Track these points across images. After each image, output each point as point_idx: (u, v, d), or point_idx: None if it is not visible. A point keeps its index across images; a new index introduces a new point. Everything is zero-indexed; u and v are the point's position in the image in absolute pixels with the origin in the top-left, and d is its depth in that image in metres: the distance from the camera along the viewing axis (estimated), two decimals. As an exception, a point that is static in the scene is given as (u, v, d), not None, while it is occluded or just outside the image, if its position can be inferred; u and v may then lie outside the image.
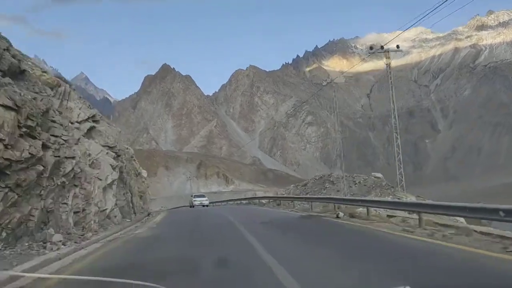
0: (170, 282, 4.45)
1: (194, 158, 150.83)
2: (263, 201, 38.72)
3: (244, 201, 50.41)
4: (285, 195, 40.03)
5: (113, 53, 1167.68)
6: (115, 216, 16.24)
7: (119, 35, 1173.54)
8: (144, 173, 35.53)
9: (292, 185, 54.35)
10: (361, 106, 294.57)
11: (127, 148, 26.12)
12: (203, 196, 47.28)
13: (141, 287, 2.27)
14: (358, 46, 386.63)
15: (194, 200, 44.31)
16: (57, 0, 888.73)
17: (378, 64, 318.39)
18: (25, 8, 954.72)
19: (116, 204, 16.70)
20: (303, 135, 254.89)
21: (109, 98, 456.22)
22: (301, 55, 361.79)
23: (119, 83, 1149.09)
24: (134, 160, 28.16)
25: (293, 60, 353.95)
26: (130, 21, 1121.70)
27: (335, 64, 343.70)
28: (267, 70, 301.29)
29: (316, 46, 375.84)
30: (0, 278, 5.23)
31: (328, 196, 27.42)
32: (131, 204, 20.47)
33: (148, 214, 26.39)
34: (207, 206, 41.89)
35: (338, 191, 36.38)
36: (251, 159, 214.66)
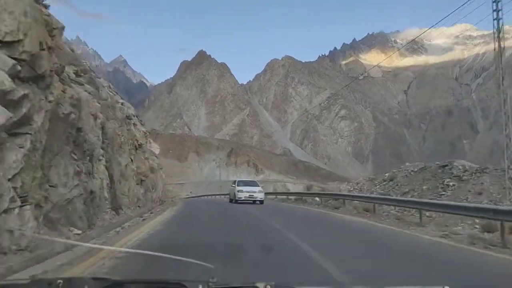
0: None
1: (225, 146, 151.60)
2: (317, 198, 26.75)
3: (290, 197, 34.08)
4: (353, 193, 27.67)
5: (152, 38, 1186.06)
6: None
7: (158, 21, 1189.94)
8: (156, 148, 27.08)
9: (362, 178, 41.85)
10: (397, 102, 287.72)
11: (121, 104, 18.31)
12: (254, 184, 26.50)
13: (189, 264, 2.25)
14: (398, 40, 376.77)
15: (239, 191, 24.46)
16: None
17: (418, 60, 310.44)
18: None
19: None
20: (335, 128, 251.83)
21: (145, 82, 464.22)
22: (338, 48, 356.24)
23: (156, 67, 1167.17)
24: (134, 125, 19.97)
25: (330, 52, 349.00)
26: (169, 7, 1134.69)
27: (372, 58, 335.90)
28: (303, 61, 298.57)
29: (354, 39, 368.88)
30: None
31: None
32: (105, 195, 11.65)
33: (162, 203, 22.08)
34: (261, 202, 23.82)
35: (480, 193, 20.46)
36: (282, 150, 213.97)
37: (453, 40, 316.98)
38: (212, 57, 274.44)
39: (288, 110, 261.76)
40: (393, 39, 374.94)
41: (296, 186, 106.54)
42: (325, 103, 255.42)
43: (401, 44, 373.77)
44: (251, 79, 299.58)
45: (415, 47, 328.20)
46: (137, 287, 1.34)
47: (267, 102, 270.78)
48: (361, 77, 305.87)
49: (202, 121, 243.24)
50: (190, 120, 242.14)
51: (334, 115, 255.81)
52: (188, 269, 3.28)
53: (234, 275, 4.91)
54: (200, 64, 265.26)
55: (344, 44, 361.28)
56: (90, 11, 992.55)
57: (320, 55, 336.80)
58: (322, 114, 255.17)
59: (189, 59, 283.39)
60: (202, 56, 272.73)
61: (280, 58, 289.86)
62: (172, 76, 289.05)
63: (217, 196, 56.09)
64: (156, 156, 25.26)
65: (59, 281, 1.32)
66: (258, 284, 1.33)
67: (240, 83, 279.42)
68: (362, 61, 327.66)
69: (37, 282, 1.39)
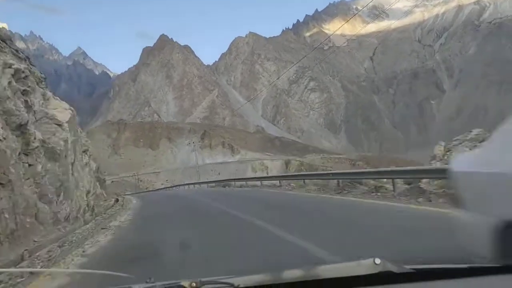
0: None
1: (197, 129, 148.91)
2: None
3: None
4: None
5: (110, 27, 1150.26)
6: None
7: (115, 8, 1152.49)
8: (62, 111, 14.18)
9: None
10: (364, 70, 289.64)
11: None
12: None
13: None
14: (359, 7, 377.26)
15: None
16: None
17: (380, 25, 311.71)
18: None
19: None
20: (306, 101, 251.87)
21: (108, 73, 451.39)
22: (301, 20, 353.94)
23: (118, 56, 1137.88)
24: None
25: (293, 25, 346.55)
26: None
27: (336, 28, 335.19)
28: (267, 37, 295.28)
29: (316, 9, 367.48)
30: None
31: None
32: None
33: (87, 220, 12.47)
34: None
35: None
36: (255, 128, 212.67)
37: (413, 2, 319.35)
38: (174, 40, 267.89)
39: (257, 87, 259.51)
40: (354, 6, 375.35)
41: (274, 162, 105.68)
42: (294, 77, 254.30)
43: (363, 11, 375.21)
44: (217, 59, 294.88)
45: (376, 13, 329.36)
46: None
47: (235, 81, 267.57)
48: (326, 48, 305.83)
49: (171, 106, 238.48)
50: (158, 107, 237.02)
51: (304, 88, 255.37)
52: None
53: None
54: (162, 49, 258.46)
55: (306, 15, 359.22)
56: (43, 5, 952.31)
57: (284, 29, 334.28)
58: (291, 88, 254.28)
59: (151, 44, 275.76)
60: (164, 41, 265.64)
61: (244, 36, 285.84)
62: (135, 64, 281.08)
63: (194, 186, 44.17)
64: (61, 127, 12.27)
65: None
66: (183, 283, 1.32)
67: (206, 64, 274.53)
68: (326, 31, 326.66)
69: None
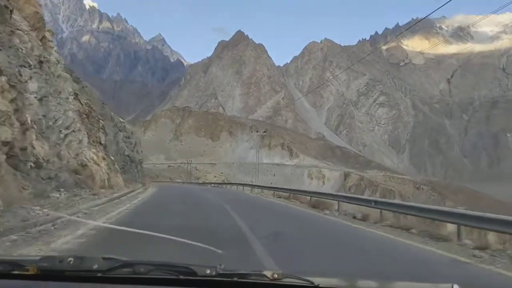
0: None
1: (259, 126, 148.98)
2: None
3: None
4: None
5: (191, 18, 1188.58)
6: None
7: (198, 1, 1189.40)
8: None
9: None
10: (439, 91, 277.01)
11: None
12: None
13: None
14: (443, 26, 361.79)
15: None
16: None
17: (463, 47, 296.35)
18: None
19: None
20: (373, 115, 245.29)
21: (183, 61, 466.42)
22: (379, 32, 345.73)
23: (194, 47, 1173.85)
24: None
25: (371, 36, 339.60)
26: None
27: (415, 44, 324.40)
28: (342, 45, 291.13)
29: (397, 23, 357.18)
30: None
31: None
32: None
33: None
34: None
35: None
36: (316, 135, 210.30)
37: (501, 28, 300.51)
38: (249, 37, 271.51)
39: (324, 95, 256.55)
40: (438, 25, 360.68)
41: (332, 172, 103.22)
42: (363, 89, 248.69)
43: (447, 30, 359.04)
44: (288, 62, 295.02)
45: (460, 34, 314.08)
46: (146, 269, 1.36)
47: (303, 85, 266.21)
48: (402, 64, 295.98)
49: (236, 102, 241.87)
50: (224, 101, 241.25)
51: (372, 101, 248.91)
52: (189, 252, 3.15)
53: None
54: (237, 45, 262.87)
55: (386, 28, 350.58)
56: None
57: (361, 39, 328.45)
58: (360, 100, 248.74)
59: (227, 39, 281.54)
60: (240, 37, 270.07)
61: (319, 41, 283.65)
62: (209, 56, 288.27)
63: (251, 191, 32.40)
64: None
65: (69, 259, 1.37)
66: (265, 272, 1.35)
67: (276, 65, 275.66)
68: (404, 47, 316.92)
69: (47, 259, 1.43)
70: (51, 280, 1.34)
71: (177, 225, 7.60)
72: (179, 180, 74.39)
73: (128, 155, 33.55)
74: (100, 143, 20.21)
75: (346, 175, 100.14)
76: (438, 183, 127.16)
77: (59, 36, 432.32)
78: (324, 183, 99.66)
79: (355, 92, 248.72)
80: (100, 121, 22.71)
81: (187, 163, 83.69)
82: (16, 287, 1.34)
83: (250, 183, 44.56)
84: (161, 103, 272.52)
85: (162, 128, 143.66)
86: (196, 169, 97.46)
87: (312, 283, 1.27)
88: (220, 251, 2.20)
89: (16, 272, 1.34)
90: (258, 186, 32.79)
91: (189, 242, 2.31)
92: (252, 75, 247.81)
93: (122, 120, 36.93)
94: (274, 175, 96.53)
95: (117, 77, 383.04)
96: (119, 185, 19.75)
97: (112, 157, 23.34)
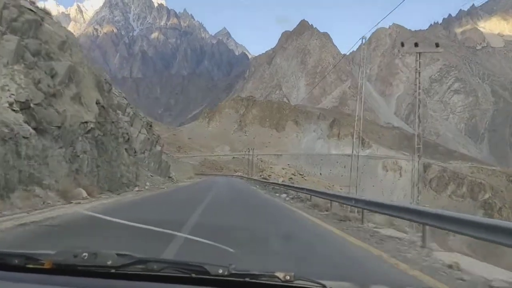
0: None
1: (327, 115, 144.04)
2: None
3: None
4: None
5: (254, 10, 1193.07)
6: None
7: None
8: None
9: None
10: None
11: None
12: None
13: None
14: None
15: None
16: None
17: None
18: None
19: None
20: (447, 103, 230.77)
21: (247, 54, 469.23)
22: (453, 15, 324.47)
23: (258, 39, 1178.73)
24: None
25: (444, 19, 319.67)
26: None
27: (493, 26, 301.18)
28: (413, 30, 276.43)
29: (473, 5, 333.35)
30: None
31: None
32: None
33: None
34: None
35: None
36: (385, 125, 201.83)
37: None
38: (314, 26, 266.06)
39: (394, 83, 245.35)
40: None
41: (410, 164, 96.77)
42: (436, 75, 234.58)
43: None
44: (355, 49, 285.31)
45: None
46: (159, 266, 1.39)
47: (371, 73, 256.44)
48: (478, 47, 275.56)
49: (301, 92, 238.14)
50: (289, 92, 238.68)
51: (446, 88, 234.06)
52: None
53: None
54: (301, 34, 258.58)
55: (460, 10, 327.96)
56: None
57: (433, 23, 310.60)
58: (432, 87, 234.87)
59: (291, 29, 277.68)
60: (303, 26, 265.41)
61: (387, 27, 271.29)
62: (273, 47, 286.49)
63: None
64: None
65: (84, 254, 1.39)
66: (277, 274, 1.36)
67: (342, 53, 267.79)
68: (481, 29, 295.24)
69: (62, 254, 1.45)
70: (65, 275, 1.38)
71: None
72: (237, 174, 70.96)
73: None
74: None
75: (426, 167, 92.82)
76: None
77: (130, 34, 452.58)
78: (401, 176, 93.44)
79: (427, 79, 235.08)
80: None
81: (250, 154, 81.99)
82: (31, 280, 1.37)
83: (319, 175, 42.23)
84: (226, 96, 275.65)
85: (226, 119, 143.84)
86: (261, 161, 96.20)
87: (324, 286, 1.27)
88: (232, 250, 2.17)
89: (31, 266, 1.39)
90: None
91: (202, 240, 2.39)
92: (317, 65, 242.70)
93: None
94: (345, 167, 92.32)
95: (185, 72, 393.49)
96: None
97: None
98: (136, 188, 18.20)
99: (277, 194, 22.49)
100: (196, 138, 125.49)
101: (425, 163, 55.01)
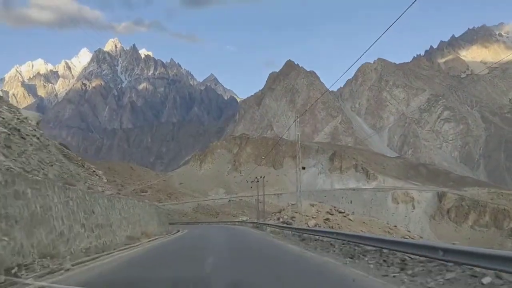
0: None
1: (326, 149, 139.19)
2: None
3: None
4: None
5: (241, 56, 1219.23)
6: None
7: (247, 38, 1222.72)
8: None
9: None
10: (508, 100, 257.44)
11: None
12: None
13: None
14: (502, 33, 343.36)
15: None
16: (188, 5, 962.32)
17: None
18: (158, 14, 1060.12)
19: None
20: (438, 132, 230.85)
21: (236, 98, 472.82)
22: (434, 46, 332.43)
23: (245, 83, 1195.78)
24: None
25: (426, 51, 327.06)
26: (256, 24, 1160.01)
27: (475, 54, 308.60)
28: (397, 63, 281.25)
29: (453, 35, 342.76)
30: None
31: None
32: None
33: None
34: None
35: None
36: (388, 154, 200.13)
37: None
38: (300, 65, 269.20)
39: (384, 115, 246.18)
40: (497, 32, 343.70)
41: (422, 194, 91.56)
42: (425, 105, 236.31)
43: (507, 37, 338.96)
44: (342, 85, 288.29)
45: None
46: None
47: (360, 108, 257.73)
48: (463, 75, 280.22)
49: (293, 131, 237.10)
50: (280, 131, 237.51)
51: (436, 117, 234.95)
52: None
53: None
54: (288, 74, 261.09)
55: (441, 41, 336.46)
56: (184, 33, 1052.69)
57: (415, 55, 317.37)
58: (422, 117, 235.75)
59: (277, 70, 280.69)
60: (290, 66, 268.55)
61: (371, 62, 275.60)
62: (261, 89, 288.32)
63: None
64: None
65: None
66: None
67: (330, 90, 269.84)
68: (463, 58, 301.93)
69: None
70: None
71: None
72: (241, 219, 61.41)
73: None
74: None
75: (441, 196, 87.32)
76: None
77: (119, 86, 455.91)
78: (414, 207, 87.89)
79: (416, 109, 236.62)
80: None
81: (254, 195, 76.42)
82: None
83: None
84: (218, 140, 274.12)
85: (219, 159, 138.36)
86: (260, 202, 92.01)
87: None
88: None
89: None
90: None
91: None
92: (306, 103, 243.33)
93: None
94: (351, 202, 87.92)
95: (175, 119, 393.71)
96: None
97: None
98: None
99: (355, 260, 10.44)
100: (188, 183, 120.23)
101: (439, 192, 52.30)
